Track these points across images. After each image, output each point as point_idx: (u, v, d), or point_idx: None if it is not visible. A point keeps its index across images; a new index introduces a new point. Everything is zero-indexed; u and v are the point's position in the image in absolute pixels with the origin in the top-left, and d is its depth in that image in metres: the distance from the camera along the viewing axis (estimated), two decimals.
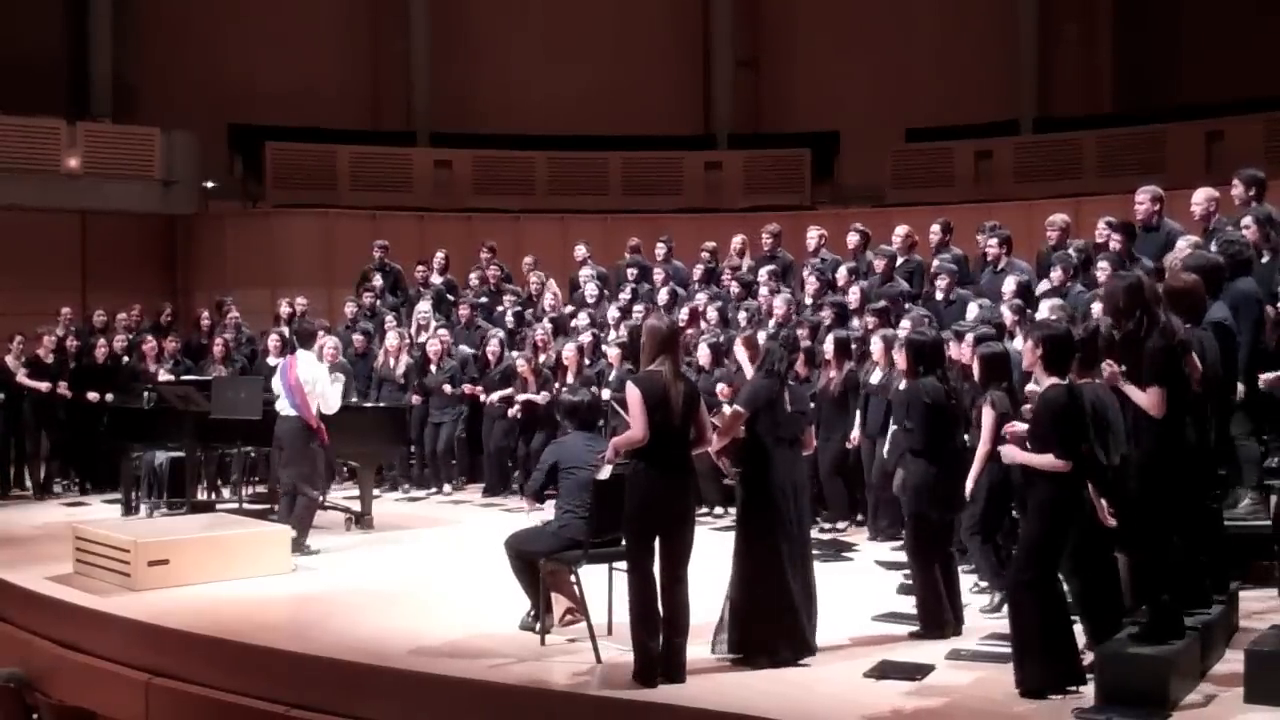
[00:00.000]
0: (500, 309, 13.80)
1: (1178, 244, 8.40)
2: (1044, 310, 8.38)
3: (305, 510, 9.77)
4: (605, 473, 6.77)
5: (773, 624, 6.50)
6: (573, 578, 7.00)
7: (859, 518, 10.24)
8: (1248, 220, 8.34)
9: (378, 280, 14.63)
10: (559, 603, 7.21)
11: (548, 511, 7.40)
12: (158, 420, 11.50)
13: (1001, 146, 18.60)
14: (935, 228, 11.60)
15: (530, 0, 20.87)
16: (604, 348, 12.20)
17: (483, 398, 12.50)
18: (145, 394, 11.87)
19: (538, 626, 7.03)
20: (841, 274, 11.65)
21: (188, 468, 11.16)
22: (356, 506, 10.99)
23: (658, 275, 13.39)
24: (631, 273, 13.86)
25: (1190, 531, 6.14)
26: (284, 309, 14.11)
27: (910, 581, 7.38)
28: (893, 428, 8.97)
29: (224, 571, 8.62)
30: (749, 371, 7.37)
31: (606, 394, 10.64)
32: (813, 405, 9.30)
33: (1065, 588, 6.06)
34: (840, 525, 10.18)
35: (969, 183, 18.49)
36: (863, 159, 19.23)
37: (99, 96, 18.71)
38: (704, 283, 13.17)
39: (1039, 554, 5.85)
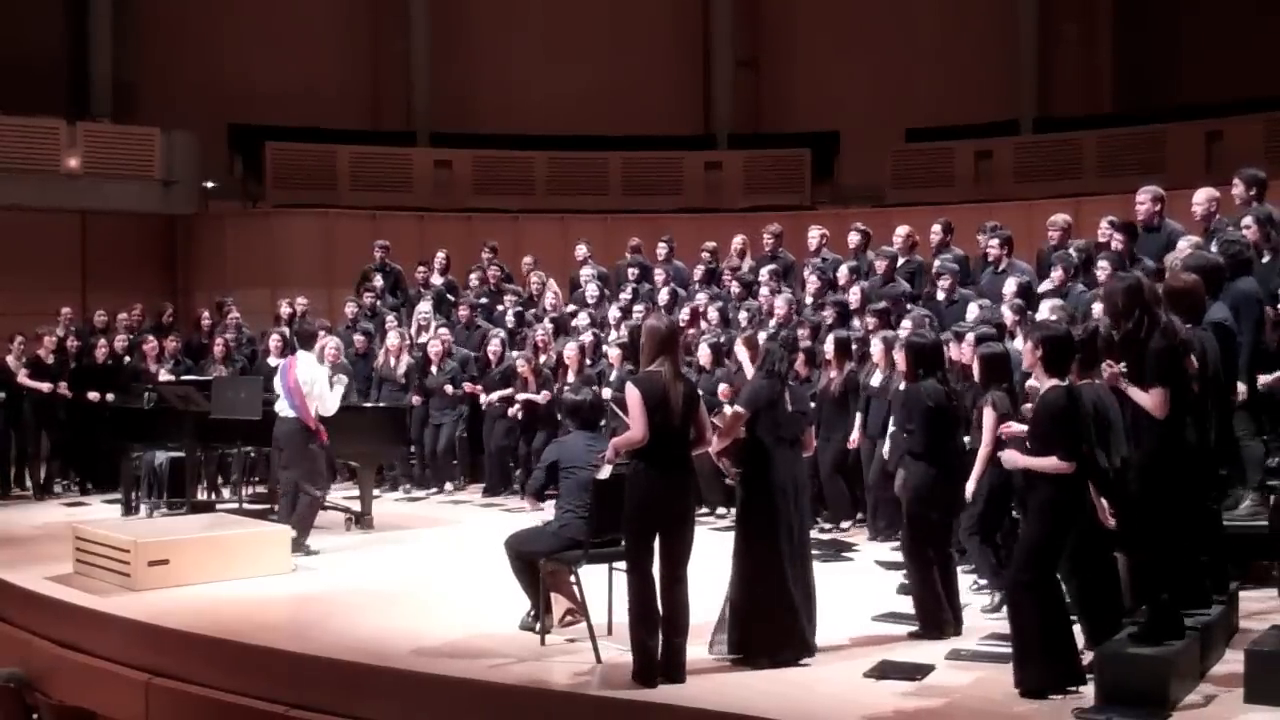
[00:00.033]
0: (501, 308, 13.80)
1: (1179, 244, 8.40)
2: (1044, 310, 8.37)
3: (308, 509, 9.76)
4: (605, 472, 6.78)
5: (773, 624, 6.50)
6: (573, 578, 6.99)
7: (860, 517, 10.24)
8: (1248, 220, 8.33)
9: (378, 280, 14.63)
10: (559, 603, 7.21)
11: (548, 511, 7.40)
12: (158, 420, 11.50)
13: (1001, 146, 18.60)
14: (936, 228, 11.59)
15: (530, 0, 20.87)
16: (605, 348, 12.20)
17: (482, 398, 12.50)
18: (145, 394, 11.88)
19: (538, 626, 7.03)
20: (843, 273, 11.64)
21: (188, 468, 11.16)
22: (356, 506, 10.99)
23: (659, 275, 13.38)
24: (632, 272, 13.85)
25: (1190, 531, 6.13)
26: (284, 309, 14.11)
27: (909, 581, 7.38)
28: (891, 428, 8.98)
29: (224, 571, 8.62)
30: (749, 371, 7.37)
31: (608, 393, 10.64)
32: (813, 405, 9.30)
33: (1064, 588, 6.06)
34: (844, 525, 10.17)
35: (969, 183, 18.49)
36: (863, 159, 19.22)
37: (99, 96, 18.71)
38: (705, 283, 13.17)
39: (1038, 555, 5.85)
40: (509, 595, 7.38)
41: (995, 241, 10.63)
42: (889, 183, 18.94)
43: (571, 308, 13.60)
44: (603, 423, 9.44)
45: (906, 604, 7.34)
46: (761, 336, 8.78)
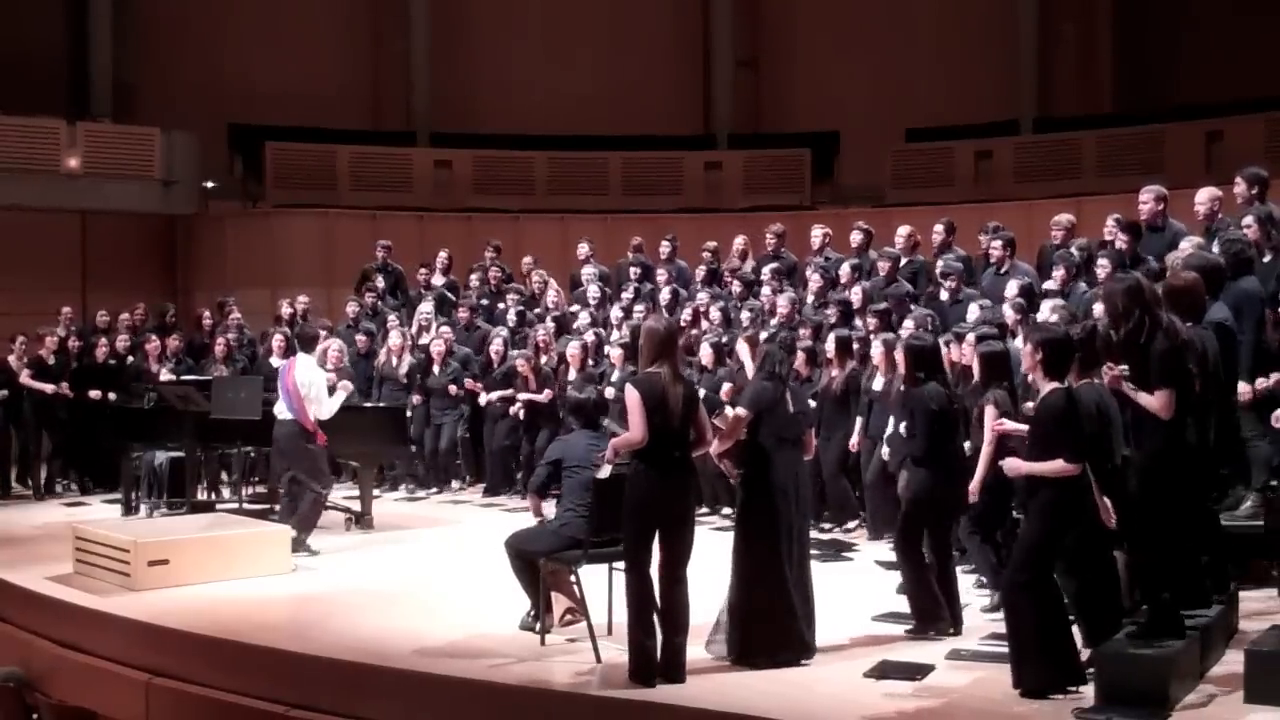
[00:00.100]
0: (502, 308, 13.79)
1: (1181, 244, 8.40)
2: (1045, 311, 8.36)
3: (311, 507, 9.75)
4: (605, 472, 6.77)
5: (772, 625, 6.49)
6: (573, 577, 6.99)
7: (861, 517, 10.22)
8: (1249, 219, 8.33)
9: (379, 280, 14.62)
10: (559, 603, 7.21)
11: (548, 509, 7.39)
12: (158, 420, 11.50)
13: (1001, 146, 18.60)
14: (938, 228, 11.55)
15: (530, 0, 20.87)
16: (607, 348, 12.19)
17: (481, 398, 12.49)
18: (146, 394, 11.87)
19: (538, 626, 7.03)
20: (844, 272, 11.63)
21: (188, 468, 11.15)
22: (356, 506, 10.99)
23: (661, 275, 13.37)
24: (634, 272, 13.84)
25: (1191, 531, 6.13)
26: (285, 310, 14.10)
27: (903, 580, 7.37)
28: (889, 430, 8.98)
29: (224, 571, 8.62)
30: (751, 371, 7.36)
31: (610, 393, 10.64)
32: (814, 404, 9.30)
33: (1063, 588, 6.06)
34: (850, 525, 10.15)
35: (969, 183, 18.49)
36: (863, 159, 19.22)
37: (99, 96, 18.72)
38: (706, 283, 13.16)
39: (1036, 556, 5.84)
40: (509, 595, 7.38)
41: (998, 243, 10.61)
42: (889, 183, 18.94)
43: (574, 307, 13.59)
44: (604, 422, 9.44)
45: (906, 604, 7.33)
46: (761, 336, 8.77)
